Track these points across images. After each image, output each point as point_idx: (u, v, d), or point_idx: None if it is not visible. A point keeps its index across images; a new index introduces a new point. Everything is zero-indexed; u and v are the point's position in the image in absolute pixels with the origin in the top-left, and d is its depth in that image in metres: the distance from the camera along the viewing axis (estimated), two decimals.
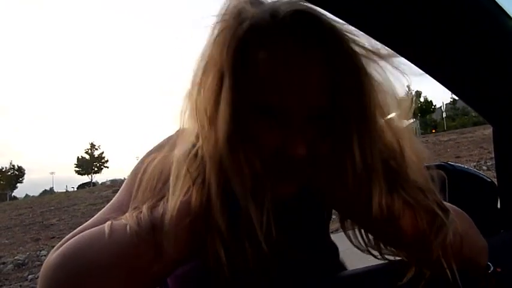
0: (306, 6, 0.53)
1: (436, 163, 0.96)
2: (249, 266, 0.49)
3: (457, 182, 0.91)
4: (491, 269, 0.69)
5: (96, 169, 49.17)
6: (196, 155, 0.51)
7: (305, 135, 0.51)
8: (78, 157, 49.53)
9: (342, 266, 0.72)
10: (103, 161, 49.24)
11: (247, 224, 0.48)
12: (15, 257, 8.63)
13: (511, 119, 0.87)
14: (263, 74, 0.51)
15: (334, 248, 0.70)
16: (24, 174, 50.52)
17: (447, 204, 0.58)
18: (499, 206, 0.93)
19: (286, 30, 0.51)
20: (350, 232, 0.59)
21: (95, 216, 0.58)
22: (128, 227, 0.48)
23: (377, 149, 0.53)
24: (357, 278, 0.66)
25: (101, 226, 0.50)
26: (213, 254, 0.49)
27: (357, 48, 0.53)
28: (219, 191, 0.48)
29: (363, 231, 0.58)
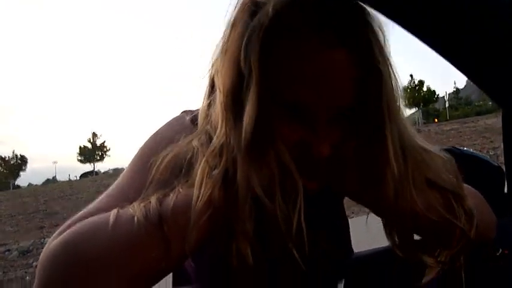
0: None
1: (444, 147, 0.96)
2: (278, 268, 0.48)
3: (464, 166, 0.91)
4: (500, 251, 0.69)
5: (98, 158, 49.30)
6: (218, 149, 0.48)
7: (330, 134, 0.49)
8: (80, 146, 49.66)
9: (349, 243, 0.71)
10: (105, 149, 49.34)
11: (276, 229, 0.46)
12: (20, 244, 8.71)
13: None
14: (289, 68, 0.48)
15: (347, 222, 0.70)
16: (26, 163, 50.71)
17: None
18: (505, 190, 0.93)
19: (314, 21, 0.48)
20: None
21: (97, 201, 0.54)
22: (135, 218, 0.45)
23: (410, 141, 0.52)
24: (369, 260, 0.66)
25: (106, 215, 0.47)
26: (238, 256, 0.46)
27: (383, 36, 0.51)
28: (247, 190, 0.45)
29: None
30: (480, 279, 0.68)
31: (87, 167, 50.05)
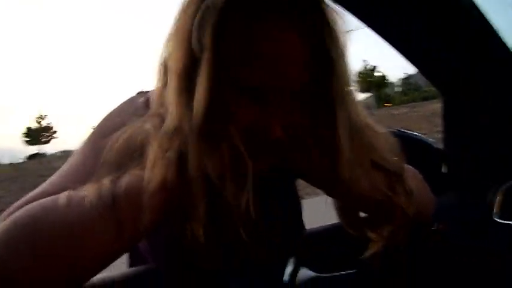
0: None
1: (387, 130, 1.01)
2: (228, 248, 0.49)
3: (406, 148, 0.97)
4: (435, 226, 0.76)
5: (44, 140, 46.95)
6: (171, 132, 0.48)
7: (282, 114, 0.50)
8: (27, 127, 46.96)
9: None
10: (51, 131, 47.03)
11: (226, 207, 0.47)
12: None
13: (460, 89, 0.93)
14: (241, 50, 0.48)
15: (298, 201, 0.73)
16: None
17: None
18: (444, 170, 1.00)
19: (269, 5, 0.48)
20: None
21: (47, 183, 0.53)
22: (88, 199, 0.44)
23: (358, 123, 0.54)
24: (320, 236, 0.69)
25: (57, 196, 0.46)
26: (191, 235, 0.47)
27: (335, 23, 0.51)
28: (199, 172, 0.46)
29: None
30: (420, 255, 0.74)
31: (33, 149, 47.57)
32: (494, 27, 0.73)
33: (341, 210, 0.60)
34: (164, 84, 0.53)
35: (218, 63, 0.47)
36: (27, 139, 46.76)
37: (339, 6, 0.57)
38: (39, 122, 46.48)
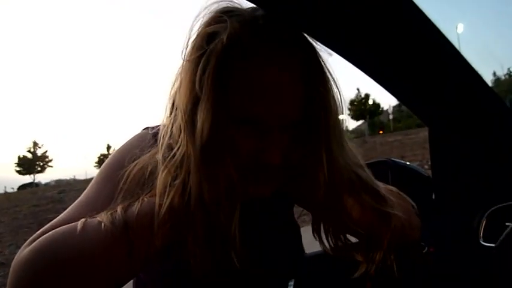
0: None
1: (381, 159, 1.07)
2: (219, 269, 0.52)
3: (398, 176, 1.02)
4: (426, 249, 0.80)
5: (39, 169, 46.37)
6: (179, 161, 0.53)
7: (280, 144, 0.55)
8: (19, 156, 46.45)
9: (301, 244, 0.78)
10: (47, 160, 46.55)
11: (218, 231, 0.52)
12: None
13: (444, 121, 0.99)
14: (242, 86, 0.54)
15: (297, 227, 0.77)
16: None
17: (390, 186, 0.68)
18: (433, 197, 1.05)
19: (264, 43, 0.54)
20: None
21: (65, 213, 0.57)
22: (102, 225, 0.48)
23: (343, 153, 0.59)
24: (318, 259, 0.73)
25: (75, 223, 0.50)
26: (192, 256, 0.52)
27: (324, 61, 0.59)
28: (199, 196, 0.51)
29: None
30: (410, 274, 0.78)
31: (26, 179, 46.84)
32: (469, 62, 0.80)
33: (329, 235, 0.64)
34: (172, 118, 0.58)
35: (218, 101, 0.52)
36: (19, 168, 46.13)
37: (325, 45, 0.63)
38: (33, 151, 46.02)
